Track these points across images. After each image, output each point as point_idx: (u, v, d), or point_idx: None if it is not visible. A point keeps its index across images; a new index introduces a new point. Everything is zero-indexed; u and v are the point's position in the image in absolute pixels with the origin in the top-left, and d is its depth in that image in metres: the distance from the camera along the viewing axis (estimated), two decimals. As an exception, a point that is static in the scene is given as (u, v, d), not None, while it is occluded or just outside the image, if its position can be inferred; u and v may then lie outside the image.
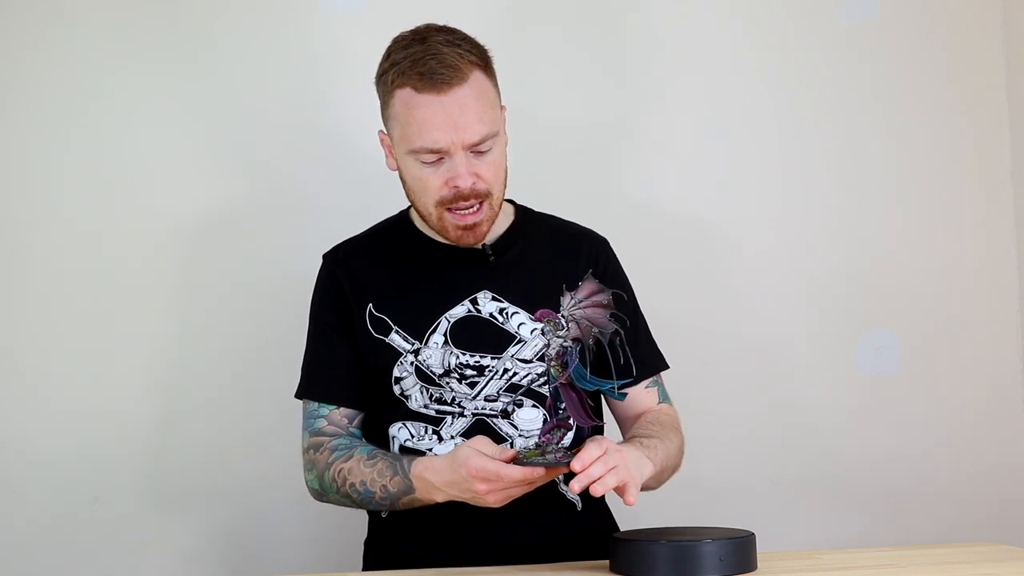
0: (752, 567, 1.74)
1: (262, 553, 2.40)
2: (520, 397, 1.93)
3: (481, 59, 1.90)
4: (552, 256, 2.03)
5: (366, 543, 2.05)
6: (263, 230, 2.44)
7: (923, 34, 2.63)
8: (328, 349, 1.98)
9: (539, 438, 1.74)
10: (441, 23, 1.93)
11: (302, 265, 2.12)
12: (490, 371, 1.93)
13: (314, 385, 1.98)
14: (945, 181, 2.63)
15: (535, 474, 1.70)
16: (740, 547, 1.72)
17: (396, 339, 1.94)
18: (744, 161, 2.58)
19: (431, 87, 1.84)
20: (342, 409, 1.96)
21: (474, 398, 1.92)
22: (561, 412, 1.73)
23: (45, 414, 2.36)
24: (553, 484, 1.95)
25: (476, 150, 1.88)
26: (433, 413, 1.93)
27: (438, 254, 1.99)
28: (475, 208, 1.90)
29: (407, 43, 1.89)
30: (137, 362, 2.39)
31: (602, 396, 2.03)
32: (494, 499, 1.74)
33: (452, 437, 1.92)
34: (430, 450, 1.92)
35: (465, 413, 1.93)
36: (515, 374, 1.94)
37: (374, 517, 2.02)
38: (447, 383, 1.92)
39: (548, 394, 1.73)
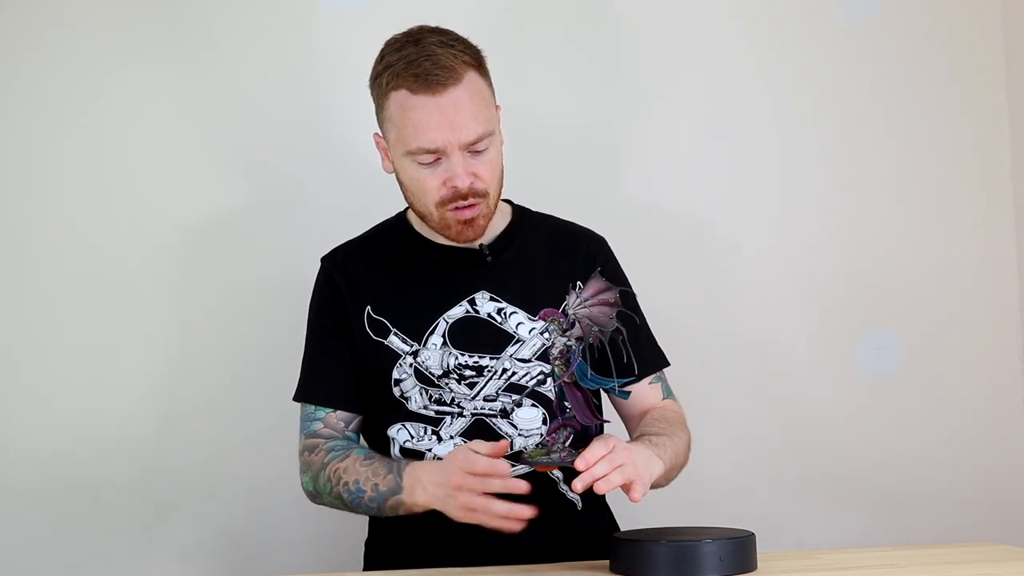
0: (752, 567, 1.74)
1: (262, 553, 2.40)
2: (519, 397, 1.93)
3: (475, 59, 1.90)
4: (550, 255, 2.03)
5: (367, 543, 2.05)
6: (263, 230, 2.44)
7: (923, 34, 2.63)
8: (325, 353, 1.99)
9: (544, 437, 1.75)
10: (436, 24, 1.93)
11: (302, 265, 2.12)
12: (489, 371, 1.93)
13: (311, 388, 1.99)
14: (945, 181, 2.63)
15: (518, 487, 1.71)
16: (740, 547, 1.72)
17: (395, 341, 1.95)
18: (744, 161, 2.58)
19: (426, 88, 1.84)
20: (339, 412, 1.96)
21: (473, 398, 1.92)
22: (567, 411, 1.73)
23: (45, 414, 2.36)
24: (553, 483, 1.95)
25: (473, 150, 1.88)
26: (432, 414, 1.93)
27: (435, 255, 2.00)
28: (474, 204, 1.90)
29: (400, 45, 1.89)
30: (137, 362, 2.39)
31: (604, 394, 2.03)
32: (462, 500, 1.73)
33: (451, 437, 1.92)
34: (429, 451, 1.93)
35: (464, 413, 1.93)
36: (514, 374, 1.94)
37: (375, 517, 2.02)
38: (446, 384, 1.92)
39: (552, 393, 1.73)
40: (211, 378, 2.40)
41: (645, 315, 2.10)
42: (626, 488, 1.72)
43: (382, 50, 1.92)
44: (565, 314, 1.70)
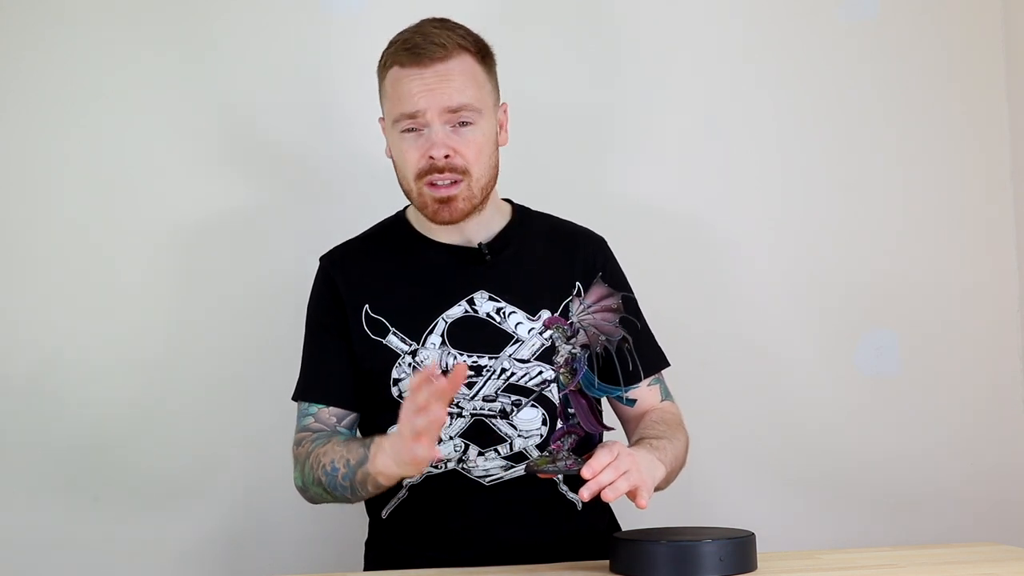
0: (752, 567, 1.74)
1: (262, 553, 2.39)
2: (522, 399, 1.94)
3: (475, 47, 1.94)
4: (549, 255, 2.03)
5: (367, 543, 2.05)
6: (262, 230, 2.44)
7: (923, 34, 2.62)
8: (322, 351, 1.99)
9: (550, 445, 1.75)
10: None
11: (302, 265, 2.12)
12: (488, 371, 1.93)
13: (307, 386, 1.99)
14: (945, 181, 2.63)
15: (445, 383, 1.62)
16: (740, 547, 1.72)
17: (394, 340, 1.95)
18: (744, 161, 2.58)
19: (415, 61, 1.89)
20: (331, 408, 1.97)
21: (472, 398, 1.92)
22: (570, 418, 1.73)
23: (45, 413, 2.36)
24: (553, 484, 1.95)
25: (456, 123, 1.90)
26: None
27: (435, 254, 2.00)
28: (451, 182, 1.91)
29: (403, 31, 1.95)
30: (137, 362, 2.39)
31: (605, 398, 2.03)
32: (404, 430, 1.66)
33: (451, 438, 1.92)
34: (429, 450, 1.93)
35: (464, 413, 1.93)
36: (513, 374, 1.94)
37: (375, 517, 2.02)
38: None
39: (553, 395, 1.73)
40: (211, 378, 2.40)
41: (645, 315, 2.10)
42: (632, 495, 1.73)
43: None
44: (570, 322, 1.70)
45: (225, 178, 2.44)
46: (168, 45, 2.43)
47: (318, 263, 2.04)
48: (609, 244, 2.11)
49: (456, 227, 1.98)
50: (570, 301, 1.72)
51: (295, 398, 2.00)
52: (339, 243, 2.07)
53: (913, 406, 2.59)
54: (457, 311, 1.95)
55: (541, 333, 1.94)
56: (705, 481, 2.49)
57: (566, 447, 1.73)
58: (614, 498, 1.70)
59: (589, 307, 1.70)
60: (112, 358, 2.39)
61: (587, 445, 1.75)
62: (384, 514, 1.97)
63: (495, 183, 1.99)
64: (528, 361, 1.94)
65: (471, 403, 1.93)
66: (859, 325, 2.59)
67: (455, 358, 1.93)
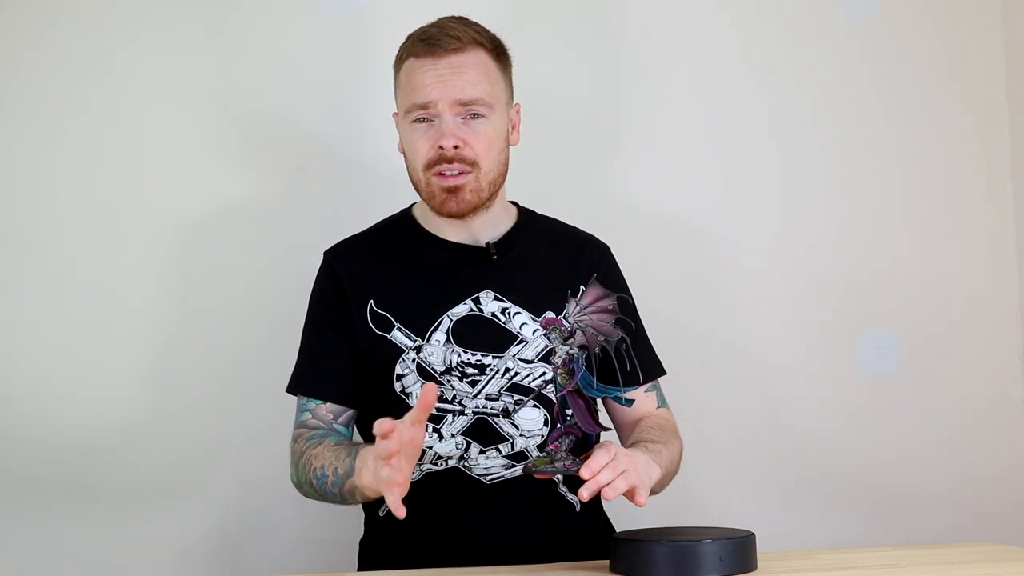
0: (752, 567, 1.74)
1: (261, 553, 2.39)
2: (524, 399, 1.94)
3: (490, 43, 1.96)
4: (554, 259, 2.04)
5: (361, 542, 2.05)
6: (264, 229, 2.44)
7: (923, 34, 2.63)
8: (321, 345, 1.99)
9: (548, 446, 1.75)
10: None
11: (303, 264, 2.12)
12: (491, 370, 1.93)
13: (304, 380, 1.99)
14: (945, 181, 2.63)
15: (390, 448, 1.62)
16: (740, 547, 1.72)
17: (398, 336, 1.95)
18: (744, 161, 2.58)
19: (429, 52, 1.92)
20: (329, 404, 1.97)
21: (475, 396, 1.93)
22: (568, 419, 1.74)
23: (45, 413, 2.36)
24: (553, 484, 1.95)
25: (467, 115, 1.92)
26: (434, 411, 1.93)
27: (441, 252, 2.00)
28: (459, 172, 1.92)
29: (420, 26, 1.98)
30: (137, 362, 2.39)
31: (599, 400, 2.03)
32: (377, 467, 1.66)
33: (452, 435, 1.92)
34: (430, 448, 1.93)
35: (466, 411, 1.93)
36: (516, 374, 1.94)
37: (371, 516, 2.02)
38: (448, 381, 1.93)
39: (554, 395, 1.74)
40: (211, 378, 2.40)
41: (645, 318, 2.11)
42: (630, 494, 1.73)
43: None
44: (566, 320, 1.71)
45: (226, 177, 2.44)
46: (169, 46, 2.43)
47: (322, 257, 2.04)
48: (611, 248, 2.12)
49: (463, 226, 1.99)
50: (566, 302, 1.72)
51: (289, 390, 2.01)
52: (344, 238, 2.07)
53: (913, 406, 2.59)
54: (462, 309, 1.96)
55: (544, 334, 1.94)
56: (705, 481, 2.49)
57: (564, 447, 1.73)
58: (613, 497, 1.70)
59: (585, 308, 1.71)
60: (113, 358, 2.38)
61: (584, 445, 1.75)
62: (381, 512, 1.97)
63: (504, 181, 2.00)
64: (532, 361, 1.95)
65: (473, 401, 1.93)
66: (859, 325, 2.59)
67: (459, 355, 1.93)
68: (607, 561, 1.79)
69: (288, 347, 2.06)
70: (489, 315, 1.96)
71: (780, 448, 2.55)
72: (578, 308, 1.71)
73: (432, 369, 1.93)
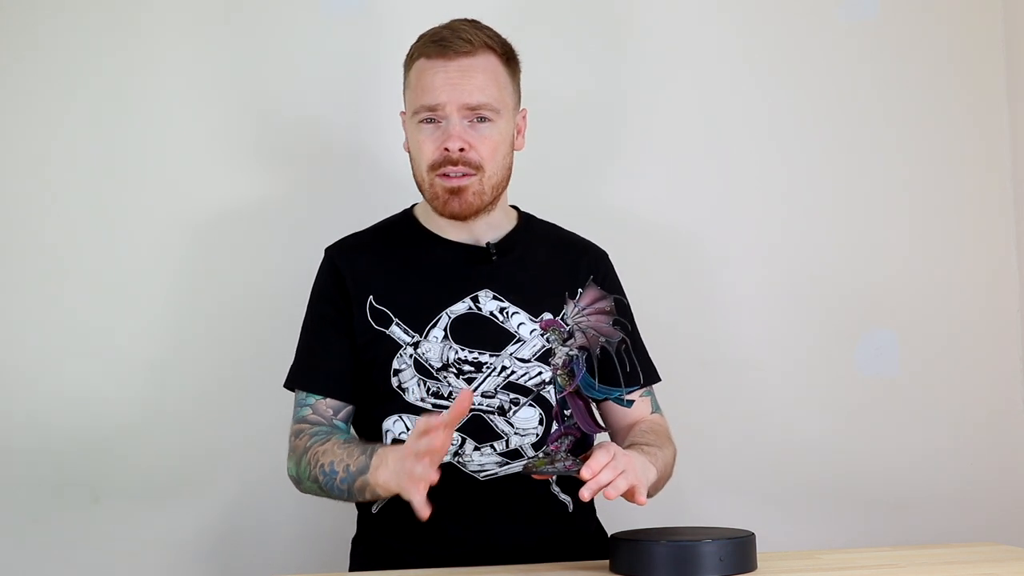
0: (752, 567, 1.74)
1: (260, 552, 2.39)
2: (517, 396, 1.94)
3: (500, 48, 1.98)
4: (554, 263, 2.06)
5: (354, 540, 2.06)
6: (267, 228, 2.43)
7: (923, 34, 2.63)
8: (321, 340, 2.00)
9: (547, 447, 1.75)
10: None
11: (307, 264, 2.11)
12: (488, 368, 1.94)
13: (303, 375, 2.00)
14: (946, 181, 2.63)
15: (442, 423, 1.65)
16: (740, 547, 1.72)
17: (396, 331, 1.95)
18: (744, 162, 2.57)
19: (440, 53, 1.93)
20: (328, 400, 1.98)
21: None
22: (567, 420, 1.74)
23: (45, 412, 2.36)
24: (546, 483, 1.96)
25: (474, 118, 1.93)
26: (430, 407, 1.94)
27: (441, 251, 2.01)
28: (463, 175, 1.93)
29: (432, 27, 1.99)
30: (138, 362, 2.39)
31: (595, 405, 2.03)
32: (407, 465, 1.68)
33: None
34: (426, 444, 1.93)
35: None
36: (513, 372, 1.94)
37: (364, 514, 2.02)
38: (445, 377, 1.93)
39: (550, 395, 1.74)
40: (210, 377, 2.40)
41: (644, 322, 2.12)
42: (630, 494, 1.73)
43: None
44: (566, 324, 1.71)
45: (227, 176, 2.44)
46: (170, 45, 2.43)
47: (323, 254, 2.05)
48: (609, 254, 2.13)
49: (465, 226, 2.00)
50: (564, 304, 1.72)
51: (287, 385, 2.02)
52: (345, 235, 2.08)
53: (913, 407, 2.59)
54: (461, 307, 1.96)
55: (541, 334, 1.95)
56: (704, 483, 2.49)
57: (563, 448, 1.73)
58: (615, 496, 1.70)
59: (583, 309, 1.71)
60: (113, 357, 2.38)
61: (583, 446, 1.75)
62: (375, 509, 1.98)
63: (506, 185, 2.02)
64: (529, 361, 1.95)
65: None
66: (859, 325, 2.59)
67: (456, 352, 1.93)
68: (607, 561, 1.79)
69: (290, 346, 2.06)
70: (487, 314, 1.96)
71: (780, 449, 2.54)
72: (576, 309, 1.71)
73: (429, 365, 1.93)
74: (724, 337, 2.55)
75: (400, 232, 2.06)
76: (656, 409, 2.09)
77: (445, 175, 1.94)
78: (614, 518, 2.06)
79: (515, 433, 1.94)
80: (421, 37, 1.98)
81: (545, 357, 1.94)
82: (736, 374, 2.54)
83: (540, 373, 1.95)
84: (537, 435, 1.95)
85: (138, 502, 2.37)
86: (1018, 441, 2.61)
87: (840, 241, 2.59)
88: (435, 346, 1.94)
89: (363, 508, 2.02)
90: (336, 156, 2.46)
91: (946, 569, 1.78)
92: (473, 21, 1.99)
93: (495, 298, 1.97)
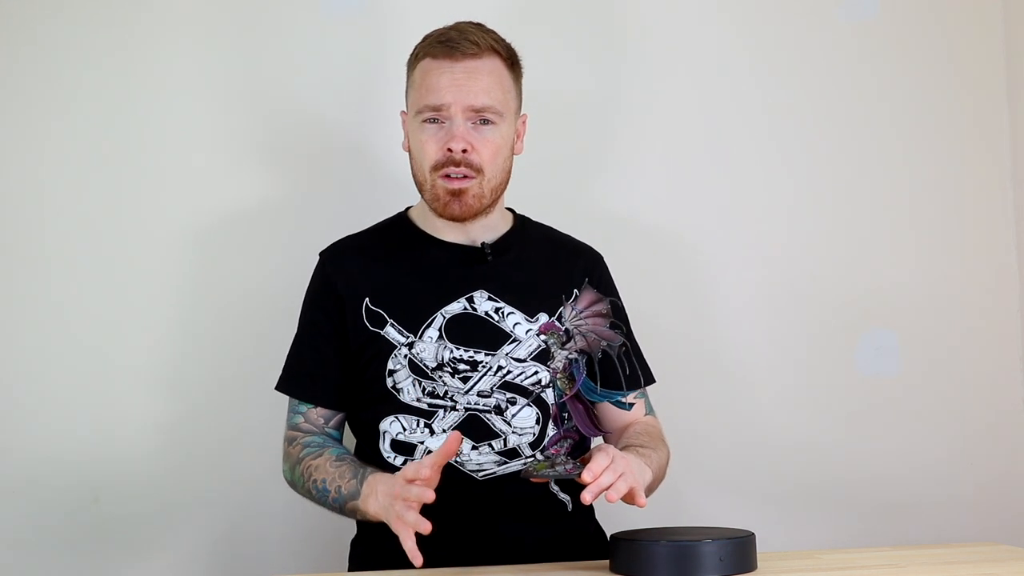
0: (752, 567, 1.74)
1: (260, 552, 2.39)
2: (514, 395, 1.94)
3: (505, 52, 1.99)
4: (549, 264, 2.06)
5: (353, 542, 2.06)
6: (266, 229, 2.43)
7: (923, 34, 2.62)
8: (313, 349, 2.01)
9: (546, 450, 1.75)
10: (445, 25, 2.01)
11: (305, 264, 2.11)
12: (483, 367, 1.94)
13: (294, 382, 2.02)
14: (946, 181, 2.62)
15: (426, 497, 1.69)
16: (740, 547, 1.72)
17: (391, 332, 1.96)
18: (743, 162, 2.57)
19: (447, 54, 1.94)
20: (319, 409, 2.00)
21: (467, 392, 1.93)
22: (566, 423, 1.74)
23: (46, 415, 2.35)
24: (545, 484, 1.96)
25: (478, 120, 1.94)
26: (425, 407, 1.94)
27: (436, 252, 2.02)
28: (464, 176, 1.94)
29: (438, 28, 2.00)
30: (138, 363, 2.39)
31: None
32: (396, 508, 1.72)
33: (444, 431, 1.93)
34: (421, 443, 1.93)
35: (457, 407, 1.94)
36: (508, 372, 1.95)
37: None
38: (440, 377, 1.94)
39: (548, 395, 1.74)
40: (211, 378, 2.40)
41: (641, 324, 2.12)
42: (630, 496, 1.74)
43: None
44: (564, 328, 1.71)
45: (228, 179, 2.44)
46: (171, 45, 2.43)
47: (318, 258, 2.06)
48: (607, 255, 2.14)
49: (460, 228, 2.01)
50: (561, 307, 1.73)
51: (279, 388, 2.03)
52: (339, 239, 2.09)
53: (913, 407, 2.59)
54: (456, 307, 1.97)
55: (538, 335, 1.95)
56: (704, 484, 2.49)
57: (563, 451, 1.74)
58: (616, 499, 1.71)
59: (581, 312, 1.71)
60: (113, 359, 2.38)
61: (580, 449, 1.76)
62: None
63: (505, 188, 2.03)
64: (524, 360, 1.95)
65: (465, 397, 1.93)
66: (859, 326, 2.58)
67: (451, 352, 1.94)
68: (607, 561, 1.79)
69: (286, 350, 2.06)
70: (482, 314, 1.97)
71: (780, 450, 2.54)
72: (574, 313, 1.71)
73: (424, 365, 1.94)
74: (724, 338, 2.55)
75: (395, 233, 2.06)
76: (650, 410, 2.09)
77: (447, 176, 1.94)
78: (613, 518, 2.06)
79: (513, 432, 1.95)
80: (427, 37, 1.99)
81: (541, 357, 1.94)
82: (735, 375, 2.54)
83: (536, 373, 1.95)
84: (534, 434, 1.95)
85: (139, 503, 2.36)
86: (1018, 442, 2.61)
87: (839, 241, 2.59)
88: (430, 346, 1.94)
89: (362, 509, 2.02)
90: (337, 156, 2.46)
91: (946, 569, 1.78)
92: (479, 24, 2.00)
93: (490, 298, 1.98)
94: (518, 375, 1.95)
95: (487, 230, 2.03)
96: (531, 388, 1.95)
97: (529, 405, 1.95)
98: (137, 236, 2.40)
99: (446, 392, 1.94)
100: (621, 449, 1.92)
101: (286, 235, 2.43)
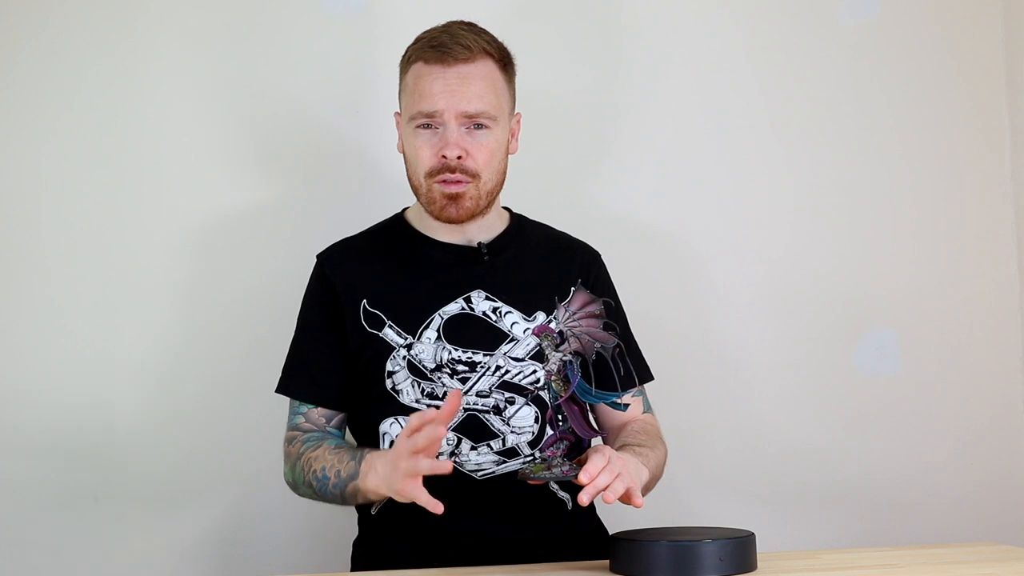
0: (752, 567, 1.74)
1: (259, 552, 2.39)
2: (512, 395, 1.94)
3: (498, 54, 1.98)
4: (546, 262, 2.06)
5: (355, 542, 2.06)
6: (264, 230, 2.43)
7: (923, 34, 2.63)
8: (312, 349, 2.01)
9: (543, 452, 1.75)
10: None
11: (303, 265, 2.11)
12: (482, 367, 1.94)
13: (294, 383, 2.02)
14: (946, 181, 2.63)
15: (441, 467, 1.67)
16: (740, 547, 1.72)
17: (389, 333, 1.96)
18: (742, 162, 2.57)
19: (439, 59, 1.93)
20: (320, 409, 2.00)
21: (466, 393, 1.93)
22: (561, 425, 1.74)
23: (45, 413, 2.36)
24: (543, 484, 1.95)
25: (471, 125, 1.93)
26: (425, 408, 1.94)
27: (433, 252, 2.02)
28: (461, 180, 1.94)
29: (430, 29, 1.99)
30: (138, 362, 2.39)
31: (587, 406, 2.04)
32: (402, 466, 1.70)
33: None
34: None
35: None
36: (507, 372, 1.95)
37: (364, 515, 2.02)
38: (439, 378, 1.94)
39: (547, 403, 1.74)
40: (209, 378, 2.40)
41: (639, 323, 2.11)
42: (626, 497, 1.74)
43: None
44: (559, 330, 1.71)
45: (228, 179, 2.44)
46: (171, 45, 2.43)
47: (315, 260, 2.05)
48: (605, 254, 2.13)
49: (458, 228, 2.01)
50: (555, 309, 1.73)
51: (280, 391, 2.03)
52: (337, 240, 2.08)
53: (913, 407, 2.59)
54: (454, 308, 1.97)
55: (538, 342, 1.95)
56: (703, 485, 2.49)
57: (559, 453, 1.74)
58: (613, 500, 1.71)
59: (575, 314, 1.72)
60: (113, 358, 2.38)
61: (576, 450, 1.76)
62: (374, 510, 1.98)
63: (501, 189, 2.02)
64: (523, 360, 1.95)
65: (464, 398, 1.93)
66: (858, 326, 2.58)
67: (449, 352, 1.94)
68: (607, 561, 1.79)
69: (285, 349, 2.06)
70: (480, 314, 1.97)
71: (780, 450, 2.54)
72: (567, 314, 1.72)
73: (423, 366, 1.94)
74: (724, 337, 2.55)
75: (392, 235, 2.06)
76: (647, 409, 2.09)
77: (443, 181, 1.94)
78: (614, 518, 2.06)
79: (511, 432, 1.95)
80: (418, 40, 1.98)
81: (539, 356, 1.94)
82: (736, 374, 2.54)
83: (534, 372, 1.95)
84: (533, 433, 1.95)
85: (139, 503, 2.37)
86: (1018, 442, 2.61)
87: (839, 241, 2.59)
88: (428, 347, 1.94)
89: (363, 510, 2.02)
90: (333, 158, 2.46)
91: (946, 569, 1.78)
92: (471, 25, 1.98)
93: (488, 298, 1.98)
94: (516, 375, 1.95)
95: (484, 230, 2.03)
96: (529, 388, 1.95)
97: (528, 404, 1.95)
98: (136, 237, 2.40)
99: (445, 393, 1.94)
100: (618, 448, 1.92)
101: (283, 236, 2.43)
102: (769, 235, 2.57)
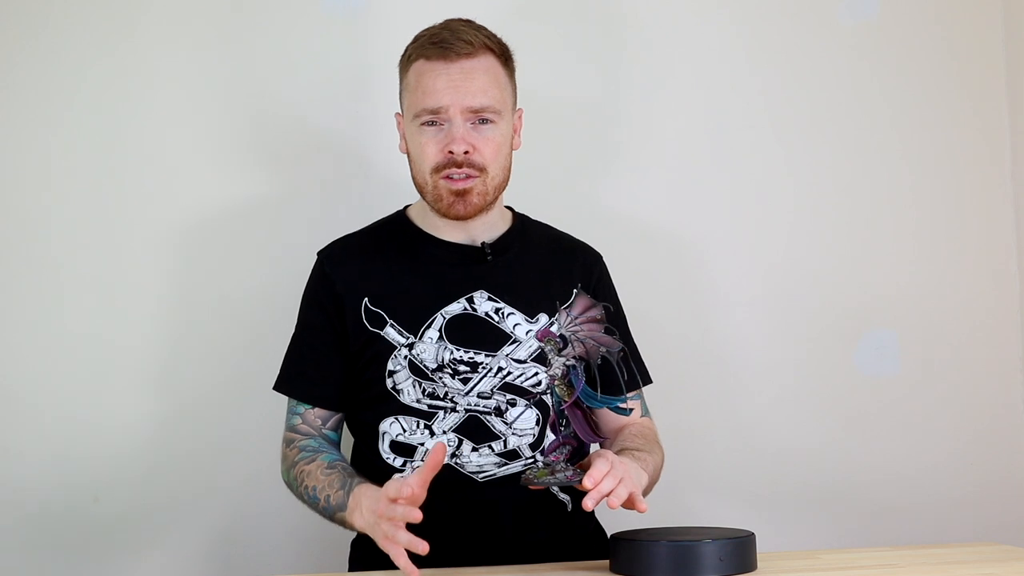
0: (752, 567, 1.74)
1: (260, 552, 2.39)
2: (514, 396, 1.94)
3: (498, 49, 1.98)
4: (549, 263, 2.06)
5: (353, 543, 2.06)
6: (262, 229, 2.43)
7: (923, 34, 2.63)
8: (310, 349, 2.01)
9: (546, 457, 1.75)
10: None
11: (301, 263, 2.11)
12: (484, 368, 1.94)
13: (292, 383, 2.02)
14: (946, 181, 2.63)
15: (413, 517, 1.67)
16: (740, 547, 1.72)
17: (390, 332, 1.96)
18: (744, 162, 2.57)
19: (441, 55, 1.93)
20: (316, 410, 1.99)
21: (467, 394, 1.93)
22: (564, 430, 1.74)
23: (45, 414, 2.35)
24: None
25: (476, 120, 1.93)
26: (425, 408, 1.94)
27: (436, 251, 2.01)
28: (468, 176, 1.94)
29: (428, 27, 1.99)
30: (137, 362, 2.39)
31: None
32: (382, 527, 1.70)
33: (444, 432, 1.93)
34: (421, 444, 1.94)
35: (457, 408, 1.93)
36: (509, 373, 1.94)
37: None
38: (440, 378, 1.93)
39: (548, 397, 1.74)
40: (209, 378, 2.40)
41: (640, 325, 2.12)
42: (630, 502, 1.73)
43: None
44: (560, 335, 1.71)
45: (226, 178, 2.44)
46: (171, 45, 2.43)
47: (316, 257, 2.05)
48: (607, 255, 2.13)
49: (460, 227, 2.00)
50: (556, 313, 1.73)
51: (277, 388, 2.03)
52: (338, 238, 2.08)
53: (913, 408, 2.59)
54: (456, 308, 1.96)
55: (540, 347, 1.94)
56: (703, 485, 2.49)
57: (562, 458, 1.74)
58: (617, 505, 1.71)
59: (576, 319, 1.71)
60: (113, 358, 2.38)
61: (579, 455, 1.76)
62: None
63: (506, 184, 2.02)
64: (524, 362, 1.95)
65: (465, 399, 1.93)
66: (859, 327, 2.58)
67: (451, 353, 1.93)
68: (607, 561, 1.79)
69: (284, 349, 2.06)
70: (482, 314, 1.96)
71: (780, 450, 2.54)
72: (569, 319, 1.71)
73: (424, 366, 1.93)
74: (724, 338, 2.55)
75: (394, 233, 2.06)
76: (645, 412, 2.09)
77: (449, 177, 1.94)
78: (613, 518, 2.06)
79: (513, 434, 1.94)
80: (418, 38, 1.97)
81: (541, 358, 1.94)
82: (736, 375, 2.54)
83: (536, 374, 1.95)
84: (534, 436, 1.95)
85: (138, 503, 2.37)
86: (1018, 442, 2.61)
87: (839, 241, 2.59)
88: (430, 347, 1.94)
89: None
90: (331, 156, 2.46)
91: (946, 569, 1.78)
92: (468, 21, 1.98)
93: (490, 299, 1.97)
94: (518, 376, 1.95)
95: (487, 229, 2.02)
96: (531, 390, 1.95)
97: (529, 407, 1.95)
98: (136, 236, 2.40)
99: (446, 393, 1.93)
100: (616, 452, 1.92)
101: (283, 236, 2.43)
102: (769, 235, 2.57)
